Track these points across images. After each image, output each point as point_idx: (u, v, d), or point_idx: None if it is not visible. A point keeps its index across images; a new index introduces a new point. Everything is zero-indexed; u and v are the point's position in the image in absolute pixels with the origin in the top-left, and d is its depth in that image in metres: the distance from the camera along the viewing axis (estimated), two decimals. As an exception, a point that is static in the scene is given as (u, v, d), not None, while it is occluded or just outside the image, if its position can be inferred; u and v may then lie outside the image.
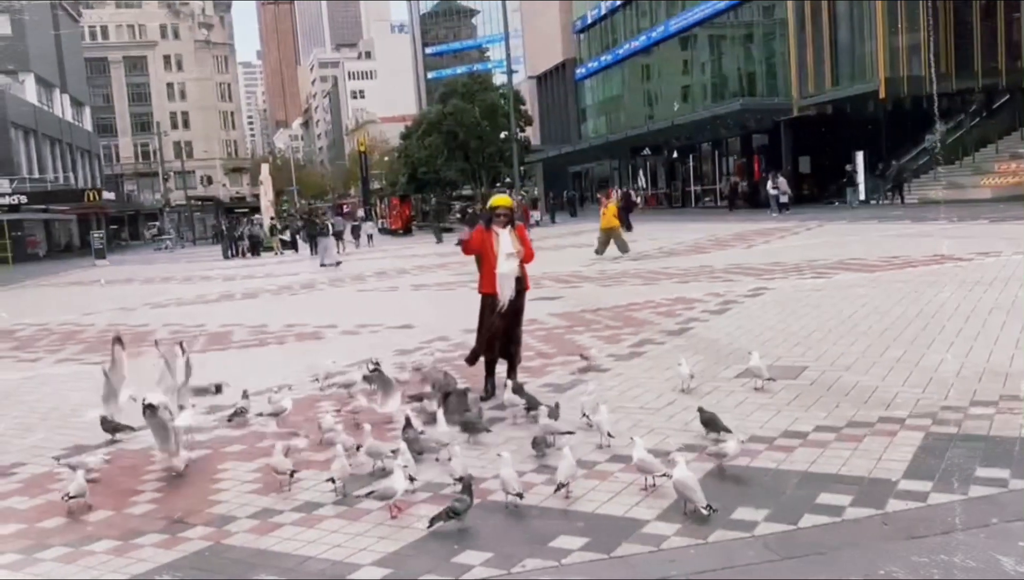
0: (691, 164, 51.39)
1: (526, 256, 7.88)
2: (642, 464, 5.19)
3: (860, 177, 35.53)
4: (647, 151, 51.19)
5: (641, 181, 53.48)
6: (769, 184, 35.80)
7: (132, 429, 7.11)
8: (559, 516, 4.92)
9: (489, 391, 7.76)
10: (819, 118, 39.88)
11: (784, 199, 34.61)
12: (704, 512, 4.65)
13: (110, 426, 7.08)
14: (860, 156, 35.50)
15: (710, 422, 5.98)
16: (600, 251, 21.98)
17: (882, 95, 35.21)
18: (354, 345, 11.27)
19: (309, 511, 5.30)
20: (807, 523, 4.56)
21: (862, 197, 35.26)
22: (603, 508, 4.98)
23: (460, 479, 5.07)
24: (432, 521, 4.78)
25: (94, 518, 5.47)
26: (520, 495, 5.00)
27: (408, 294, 17.88)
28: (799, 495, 4.94)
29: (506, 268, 7.74)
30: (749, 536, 4.47)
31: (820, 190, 39.08)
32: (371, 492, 5.10)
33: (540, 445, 5.93)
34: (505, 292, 7.74)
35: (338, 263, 27.55)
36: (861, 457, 5.45)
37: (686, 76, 52.47)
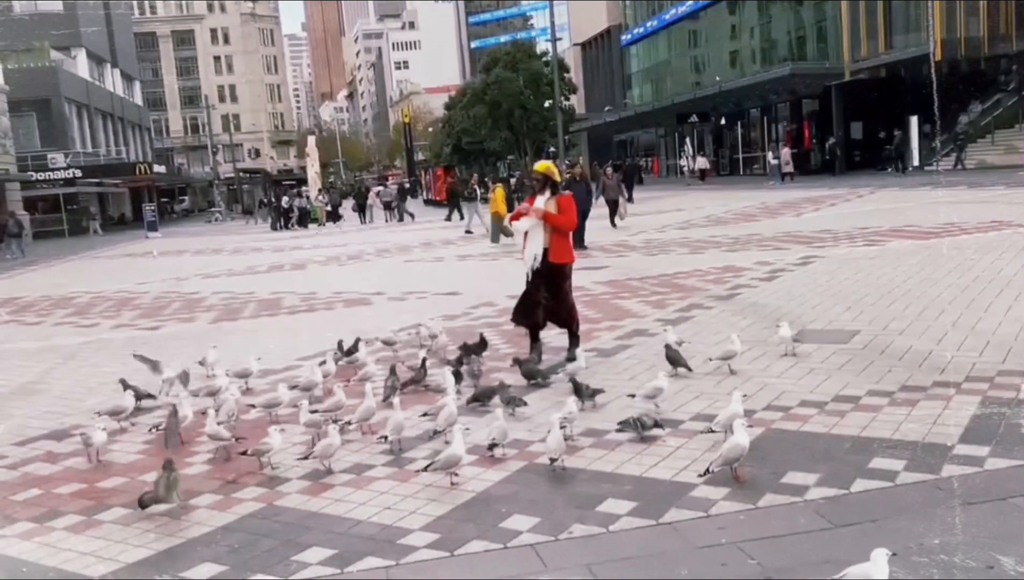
0: (739, 131, 50.54)
1: (560, 222, 7.60)
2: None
3: (913, 142, 34.71)
4: (694, 118, 50.37)
5: (688, 149, 52.65)
6: (770, 155, 38.46)
7: (154, 397, 7.22)
8: (607, 480, 4.91)
9: (536, 357, 7.74)
10: (872, 82, 38.84)
11: (787, 169, 36.93)
12: None
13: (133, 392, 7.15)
14: (914, 121, 34.61)
15: (673, 359, 6.78)
16: (496, 239, 20.80)
17: (938, 57, 34.15)
18: (402, 311, 11.36)
19: (359, 472, 5.35)
20: (859, 488, 4.49)
21: (916, 163, 34.44)
22: (650, 472, 4.96)
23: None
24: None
25: (150, 479, 5.58)
26: (552, 460, 5.06)
27: (454, 264, 17.95)
28: (851, 459, 4.86)
29: (522, 226, 7.62)
30: (800, 501, 4.41)
31: (873, 156, 38.19)
32: (431, 464, 5.02)
33: (511, 402, 6.11)
34: (528, 253, 7.63)
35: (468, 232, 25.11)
36: (915, 422, 5.35)
37: (734, 41, 51.48)
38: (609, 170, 22.77)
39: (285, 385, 6.86)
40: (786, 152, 38.14)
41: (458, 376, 6.86)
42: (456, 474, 5.02)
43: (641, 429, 5.45)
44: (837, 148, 38.11)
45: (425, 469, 5.05)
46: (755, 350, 7.39)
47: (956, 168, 31.03)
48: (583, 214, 16.95)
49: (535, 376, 6.99)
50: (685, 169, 47.57)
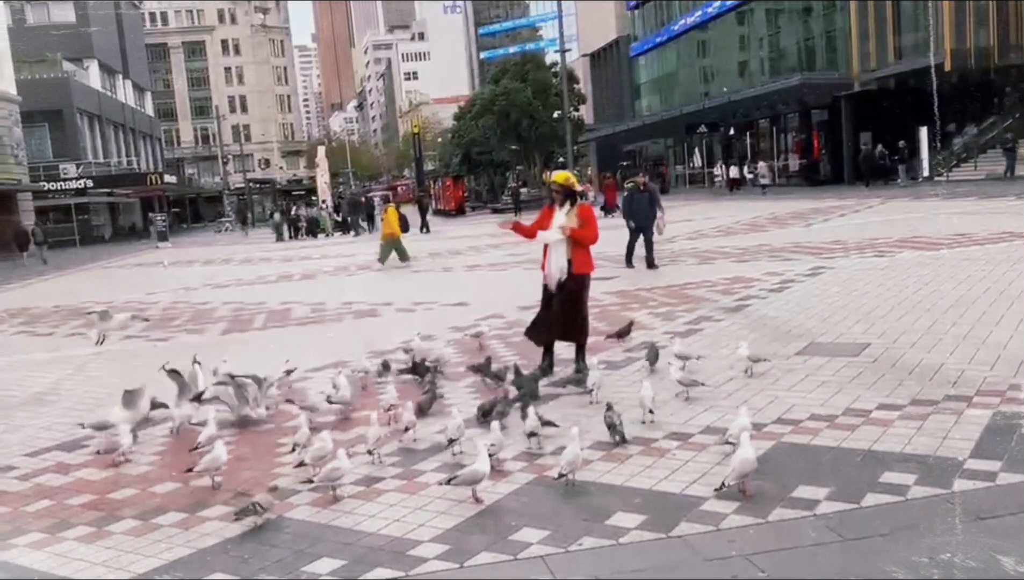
0: (748, 141, 50.49)
1: (586, 236, 7.55)
2: None
3: (924, 152, 34.63)
4: (703, 128, 50.36)
5: (696, 159, 52.57)
6: (746, 169, 40.90)
7: (164, 406, 7.23)
8: (616, 493, 4.90)
9: (546, 368, 7.74)
10: (881, 93, 38.78)
11: (764, 181, 39.34)
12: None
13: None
14: (924, 131, 34.51)
15: (653, 358, 7.31)
16: (383, 259, 20.45)
17: (948, 67, 34.07)
18: (410, 322, 11.37)
19: (368, 484, 5.36)
20: (870, 502, 4.47)
21: (926, 173, 34.35)
22: (660, 485, 4.95)
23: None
24: None
25: (161, 490, 5.61)
26: (560, 475, 5.02)
27: (462, 274, 17.96)
28: (862, 473, 4.84)
29: (550, 238, 7.55)
30: (811, 515, 4.40)
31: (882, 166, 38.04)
32: (453, 478, 4.95)
33: (489, 413, 6.19)
34: (552, 269, 7.55)
35: None
36: (926, 435, 5.33)
37: (743, 52, 51.46)
38: (644, 178, 20.88)
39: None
40: (763, 166, 41.17)
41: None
42: (477, 492, 4.95)
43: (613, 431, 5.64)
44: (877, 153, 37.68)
45: (448, 482, 4.98)
46: (764, 363, 7.36)
47: (1006, 176, 30.74)
48: (645, 229, 15.68)
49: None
50: (717, 179, 47.53)
